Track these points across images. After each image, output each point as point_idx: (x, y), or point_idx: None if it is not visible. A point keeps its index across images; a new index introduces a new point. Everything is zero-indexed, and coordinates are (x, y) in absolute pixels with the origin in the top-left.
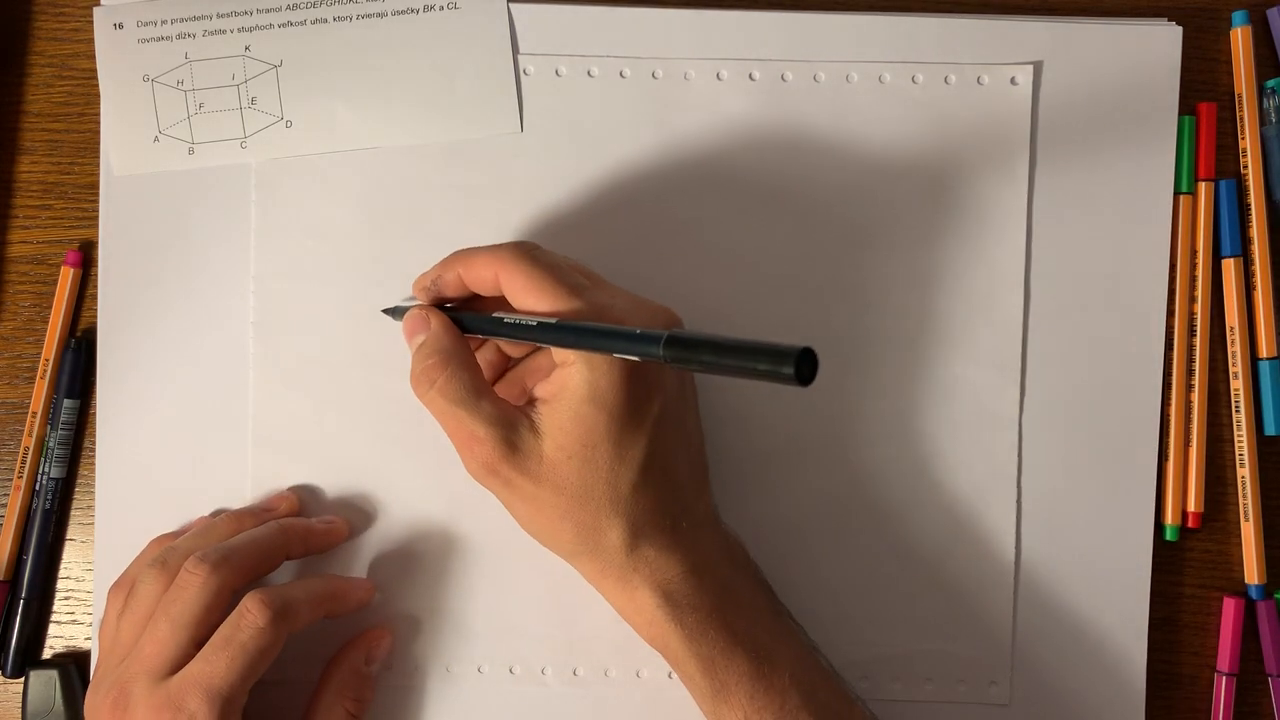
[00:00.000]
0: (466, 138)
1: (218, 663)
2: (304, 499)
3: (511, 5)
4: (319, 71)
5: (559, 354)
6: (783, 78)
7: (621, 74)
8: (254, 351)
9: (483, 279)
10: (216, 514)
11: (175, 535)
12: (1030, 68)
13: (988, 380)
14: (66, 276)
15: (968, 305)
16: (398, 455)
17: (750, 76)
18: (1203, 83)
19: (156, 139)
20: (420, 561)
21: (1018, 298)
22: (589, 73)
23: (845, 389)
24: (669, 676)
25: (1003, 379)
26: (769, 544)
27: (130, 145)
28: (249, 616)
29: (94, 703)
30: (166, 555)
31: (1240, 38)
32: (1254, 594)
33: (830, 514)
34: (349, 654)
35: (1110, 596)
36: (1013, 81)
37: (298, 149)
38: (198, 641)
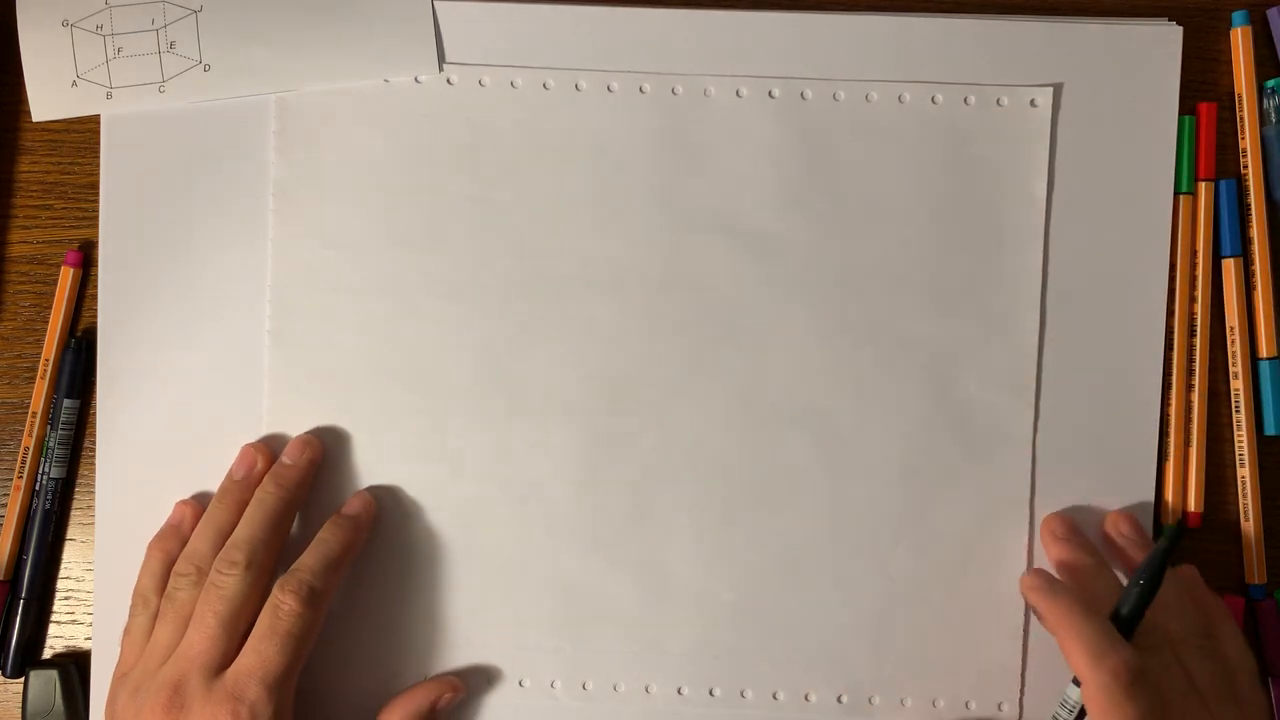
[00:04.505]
0: (384, 79)
1: (268, 652)
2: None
3: (529, 8)
4: (238, 15)
5: None
6: (802, 95)
7: (641, 89)
8: (269, 360)
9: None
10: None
11: (172, 535)
12: (1050, 90)
13: (1002, 401)
14: (66, 276)
15: (985, 326)
16: (407, 467)
17: (770, 94)
18: (1203, 83)
19: (74, 84)
20: (430, 574)
21: (1034, 317)
22: (609, 87)
23: (859, 407)
24: (678, 692)
25: (1018, 400)
26: (781, 563)
27: (48, 90)
28: (286, 605)
29: (133, 707)
30: (193, 559)
31: (1240, 38)
32: (1254, 594)
33: (842, 533)
34: (417, 698)
35: None
36: (1032, 104)
37: (216, 93)
38: (243, 635)
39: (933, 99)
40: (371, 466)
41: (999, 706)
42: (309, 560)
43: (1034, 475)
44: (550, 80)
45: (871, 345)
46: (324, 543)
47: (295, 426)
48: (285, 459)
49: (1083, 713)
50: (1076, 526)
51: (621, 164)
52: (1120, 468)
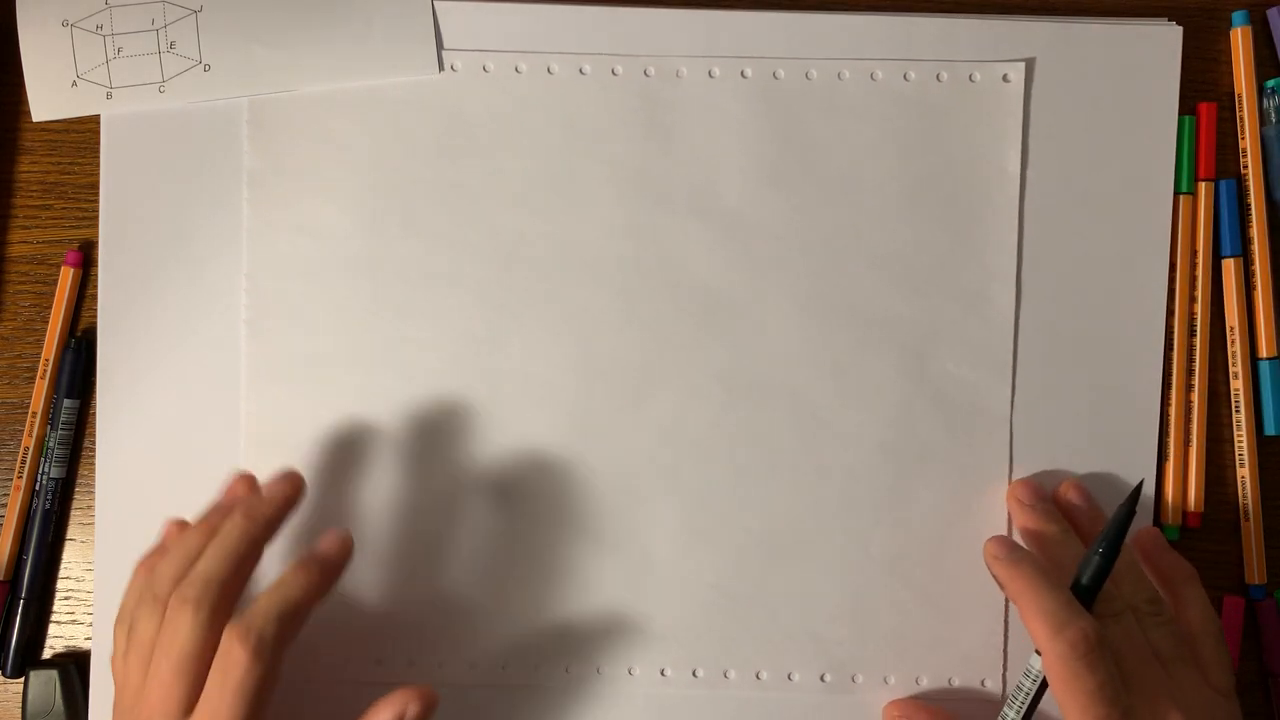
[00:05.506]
0: (385, 80)
1: (220, 711)
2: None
3: (506, 3)
4: (238, 15)
5: None
6: (775, 75)
7: (614, 71)
8: (246, 350)
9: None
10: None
11: (160, 553)
12: (1022, 65)
13: (979, 378)
14: (66, 276)
15: (961, 302)
16: (387, 454)
17: (742, 74)
18: (1203, 83)
19: (74, 84)
20: (411, 559)
21: (1009, 295)
22: (581, 70)
23: (837, 386)
24: (660, 673)
25: (994, 377)
26: (763, 544)
27: (48, 90)
28: (234, 656)
29: None
30: (155, 586)
31: (1240, 38)
32: (1254, 594)
33: (823, 512)
34: (384, 711)
35: None
36: (1005, 79)
37: (216, 93)
38: (201, 678)
39: (905, 76)
40: (350, 455)
41: (982, 682)
42: (265, 604)
43: (1012, 452)
44: (522, 64)
45: (848, 323)
46: (285, 586)
47: (273, 417)
48: (268, 486)
49: (1044, 683)
50: (1043, 493)
51: (595, 147)
52: (1120, 468)
